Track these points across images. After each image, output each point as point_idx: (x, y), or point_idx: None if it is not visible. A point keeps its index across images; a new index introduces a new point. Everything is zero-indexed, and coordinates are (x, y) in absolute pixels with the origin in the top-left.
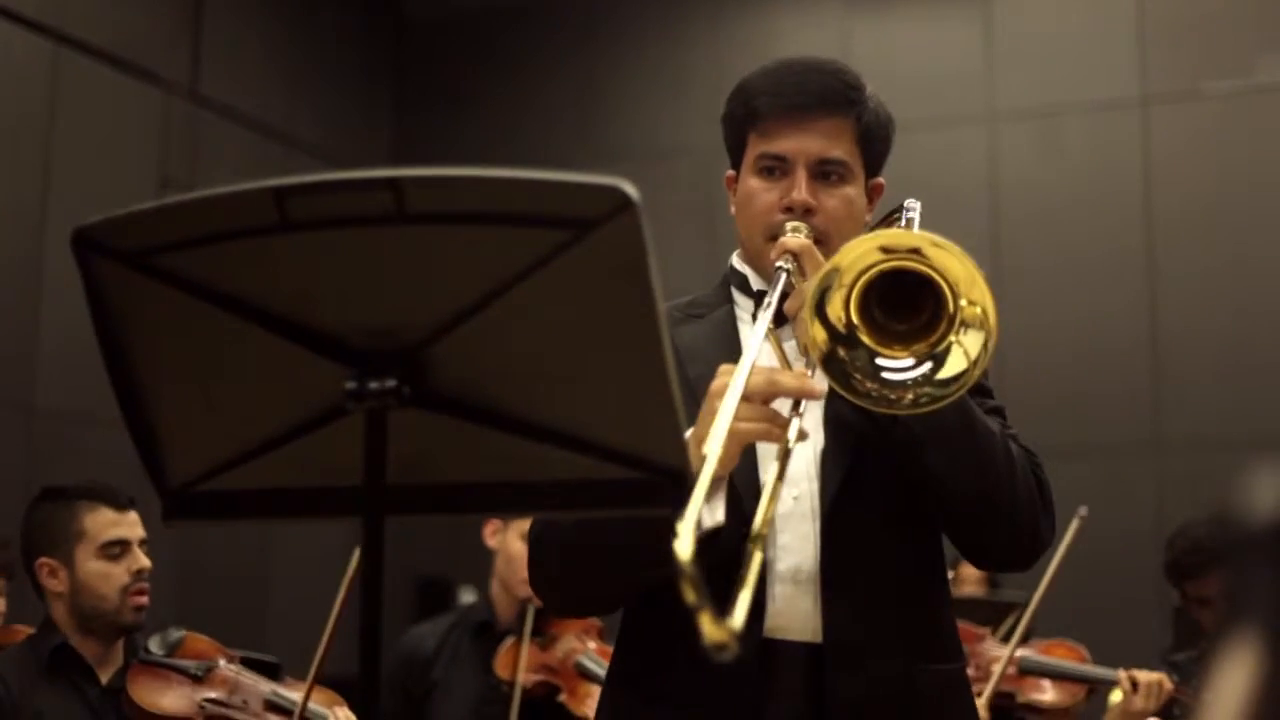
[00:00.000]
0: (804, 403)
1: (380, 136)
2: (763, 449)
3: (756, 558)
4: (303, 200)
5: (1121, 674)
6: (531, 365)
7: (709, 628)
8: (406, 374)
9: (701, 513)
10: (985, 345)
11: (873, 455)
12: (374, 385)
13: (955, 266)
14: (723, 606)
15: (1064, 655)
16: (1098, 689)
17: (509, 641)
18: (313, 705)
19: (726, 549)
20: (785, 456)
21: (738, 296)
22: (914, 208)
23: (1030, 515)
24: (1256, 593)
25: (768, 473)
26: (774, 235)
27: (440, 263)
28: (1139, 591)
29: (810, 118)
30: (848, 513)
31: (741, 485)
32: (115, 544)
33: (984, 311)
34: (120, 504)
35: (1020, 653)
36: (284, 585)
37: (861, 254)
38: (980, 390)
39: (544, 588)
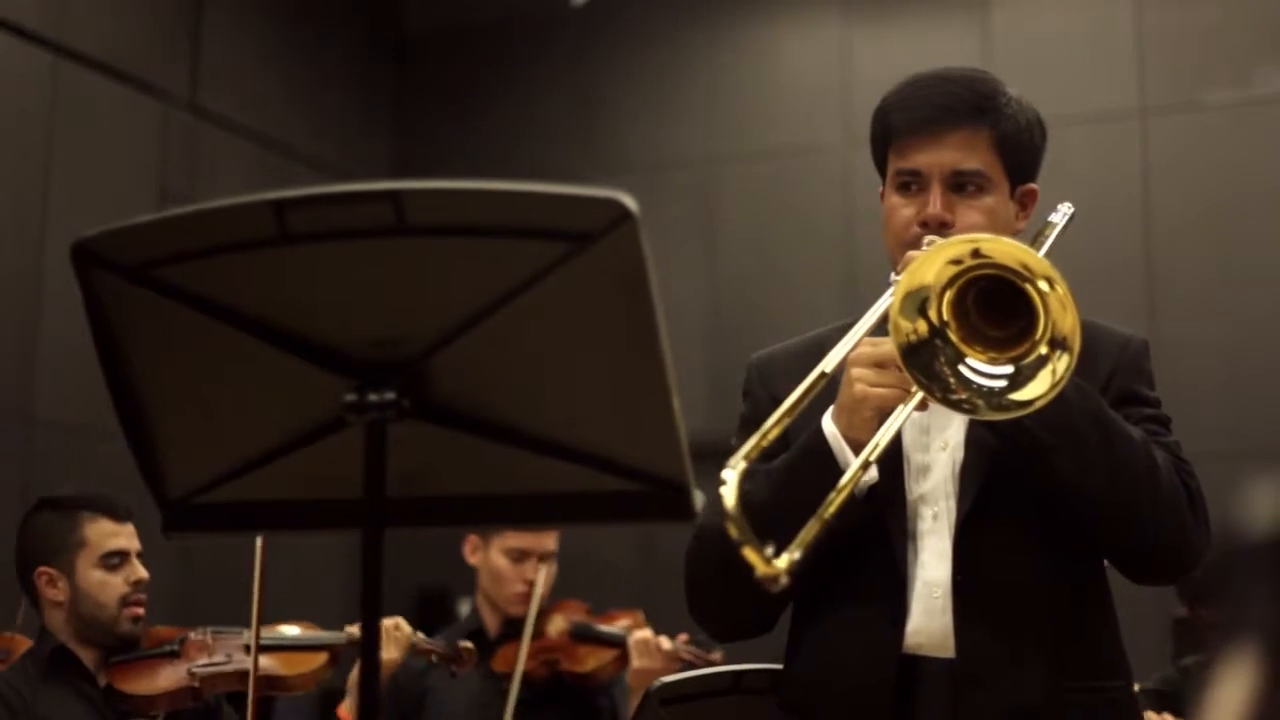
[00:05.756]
0: (946, 421)
1: (380, 149)
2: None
3: (849, 483)
4: (303, 213)
5: None
6: (531, 377)
7: (757, 564)
8: (406, 386)
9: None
10: (1068, 368)
11: (1009, 470)
12: (374, 397)
13: (1033, 264)
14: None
15: None
16: None
17: (505, 644)
18: None
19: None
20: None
21: None
22: (1063, 211)
23: (1175, 523)
24: (1255, 605)
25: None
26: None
27: (440, 275)
28: (1138, 602)
29: (941, 130)
30: (983, 529)
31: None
32: (115, 554)
33: (1070, 343)
34: (119, 515)
35: None
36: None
37: (936, 268)
38: (1135, 399)
39: (703, 620)
